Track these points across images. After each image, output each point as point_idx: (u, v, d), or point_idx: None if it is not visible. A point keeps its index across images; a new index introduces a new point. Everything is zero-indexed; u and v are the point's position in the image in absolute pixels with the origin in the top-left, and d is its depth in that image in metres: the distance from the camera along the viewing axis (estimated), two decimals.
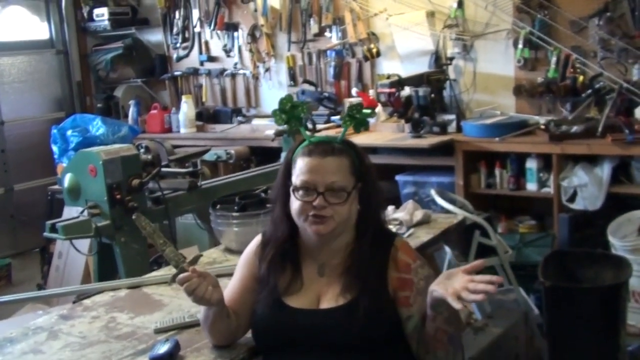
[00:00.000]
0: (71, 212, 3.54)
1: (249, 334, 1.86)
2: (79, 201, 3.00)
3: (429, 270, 1.82)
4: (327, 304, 1.77)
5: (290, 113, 1.88)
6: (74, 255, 4.22)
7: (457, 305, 1.53)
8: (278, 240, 1.84)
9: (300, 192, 1.76)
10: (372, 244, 1.80)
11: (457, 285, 1.56)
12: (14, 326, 2.37)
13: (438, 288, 1.60)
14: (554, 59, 4.27)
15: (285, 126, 1.90)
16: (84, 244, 3.52)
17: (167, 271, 2.60)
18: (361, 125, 1.90)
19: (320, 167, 1.76)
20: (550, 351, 2.97)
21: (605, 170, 3.89)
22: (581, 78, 4.20)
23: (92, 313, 2.16)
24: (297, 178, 1.77)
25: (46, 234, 2.97)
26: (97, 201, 2.92)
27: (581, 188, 3.93)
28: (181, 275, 1.71)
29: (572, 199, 3.99)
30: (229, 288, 1.90)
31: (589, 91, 4.13)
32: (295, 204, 1.77)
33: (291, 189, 1.78)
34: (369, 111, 1.90)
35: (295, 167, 1.80)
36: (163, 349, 1.77)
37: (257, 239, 1.93)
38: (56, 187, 4.47)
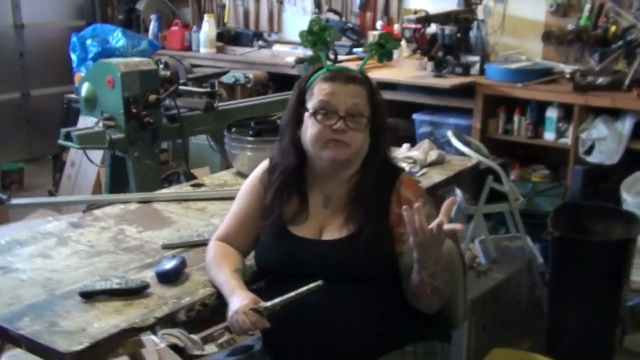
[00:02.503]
0: (86, 122, 3.54)
1: (252, 259, 1.87)
2: (95, 112, 3.00)
3: (430, 210, 1.76)
4: (329, 235, 1.77)
5: (318, 36, 1.85)
6: (86, 165, 4.25)
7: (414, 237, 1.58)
8: (285, 169, 1.83)
9: (320, 116, 1.73)
10: (377, 177, 1.79)
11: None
12: (23, 230, 2.40)
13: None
14: (587, 6, 4.15)
15: (309, 52, 1.87)
16: (97, 154, 3.53)
17: (177, 189, 2.61)
18: (386, 55, 1.88)
19: (342, 92, 1.74)
20: (551, 300, 2.99)
21: (626, 125, 3.83)
22: (613, 28, 4.09)
23: (102, 224, 2.18)
24: (317, 101, 1.74)
25: (60, 141, 2.98)
26: (113, 113, 2.92)
27: (600, 141, 3.88)
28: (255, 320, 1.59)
29: (589, 151, 3.94)
30: (232, 215, 1.89)
31: (620, 43, 4.03)
32: (311, 129, 1.74)
33: (308, 114, 1.75)
34: (397, 42, 1.87)
35: (312, 93, 1.77)
36: (170, 264, 1.78)
37: (262, 166, 1.92)
38: (73, 95, 4.44)
